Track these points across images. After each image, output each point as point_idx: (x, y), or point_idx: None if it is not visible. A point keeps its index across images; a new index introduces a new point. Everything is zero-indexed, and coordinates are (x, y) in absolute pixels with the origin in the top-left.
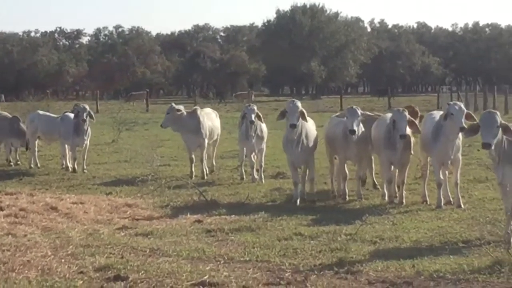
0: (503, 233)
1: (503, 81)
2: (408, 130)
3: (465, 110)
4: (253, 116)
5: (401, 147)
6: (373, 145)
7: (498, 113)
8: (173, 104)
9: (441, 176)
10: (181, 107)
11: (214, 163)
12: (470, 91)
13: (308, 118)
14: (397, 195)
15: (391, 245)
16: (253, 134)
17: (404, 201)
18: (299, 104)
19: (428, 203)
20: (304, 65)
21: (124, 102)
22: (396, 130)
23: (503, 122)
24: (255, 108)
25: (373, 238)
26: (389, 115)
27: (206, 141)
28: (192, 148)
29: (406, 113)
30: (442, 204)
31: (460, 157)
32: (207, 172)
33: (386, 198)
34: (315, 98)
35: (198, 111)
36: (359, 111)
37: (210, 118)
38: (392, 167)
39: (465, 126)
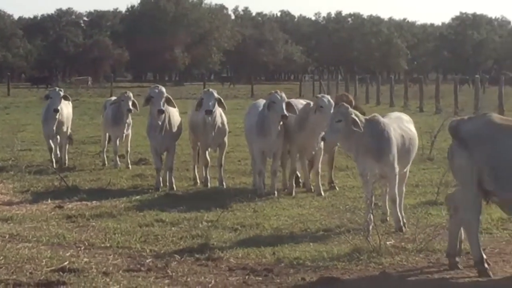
0: (362, 221)
1: (364, 71)
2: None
3: (333, 103)
4: (130, 103)
5: (275, 135)
6: (246, 134)
7: (349, 107)
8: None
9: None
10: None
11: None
12: (332, 80)
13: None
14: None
15: (252, 232)
16: (127, 121)
17: (293, 192)
18: (215, 92)
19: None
20: (168, 51)
21: None
22: (275, 112)
23: (352, 116)
24: (132, 96)
25: (234, 225)
26: (261, 101)
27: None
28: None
29: (283, 95)
30: (293, 191)
31: (323, 147)
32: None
33: (256, 188)
34: (178, 84)
35: None
36: (216, 94)
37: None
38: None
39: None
